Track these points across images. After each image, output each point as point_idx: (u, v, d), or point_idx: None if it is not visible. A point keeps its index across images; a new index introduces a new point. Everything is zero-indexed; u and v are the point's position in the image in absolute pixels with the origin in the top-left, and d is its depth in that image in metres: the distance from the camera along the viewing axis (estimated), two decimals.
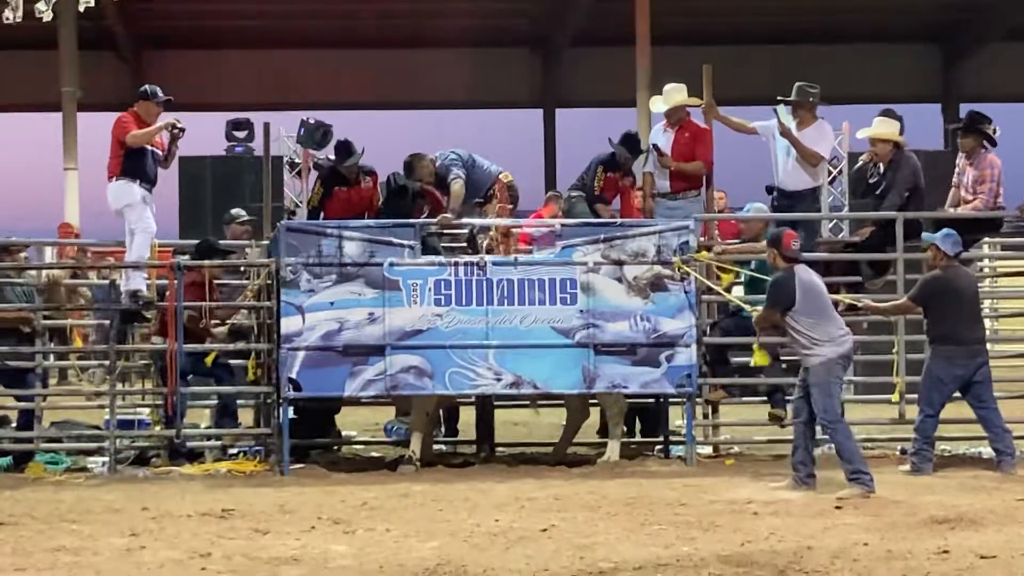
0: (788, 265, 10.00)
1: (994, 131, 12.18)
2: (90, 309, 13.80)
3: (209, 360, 11.81)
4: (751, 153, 13.33)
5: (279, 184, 18.70)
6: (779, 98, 12.52)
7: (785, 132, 12.35)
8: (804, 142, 12.34)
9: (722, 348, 11.97)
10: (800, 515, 8.87)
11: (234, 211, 13.60)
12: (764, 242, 12.15)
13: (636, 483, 10.43)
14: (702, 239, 12.11)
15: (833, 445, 10.08)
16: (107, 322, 12.36)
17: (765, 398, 12.15)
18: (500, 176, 12.55)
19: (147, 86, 12.09)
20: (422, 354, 11.30)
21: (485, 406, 12.68)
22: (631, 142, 12.94)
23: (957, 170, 12.39)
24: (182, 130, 11.94)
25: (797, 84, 12.55)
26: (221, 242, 12.70)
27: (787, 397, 12.00)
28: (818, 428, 10.08)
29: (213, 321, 12.15)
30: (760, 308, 10.61)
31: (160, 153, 11.96)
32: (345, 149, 12.60)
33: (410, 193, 12.38)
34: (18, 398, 12.12)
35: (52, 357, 13.28)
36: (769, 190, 12.69)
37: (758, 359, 10.77)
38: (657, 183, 12.82)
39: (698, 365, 11.58)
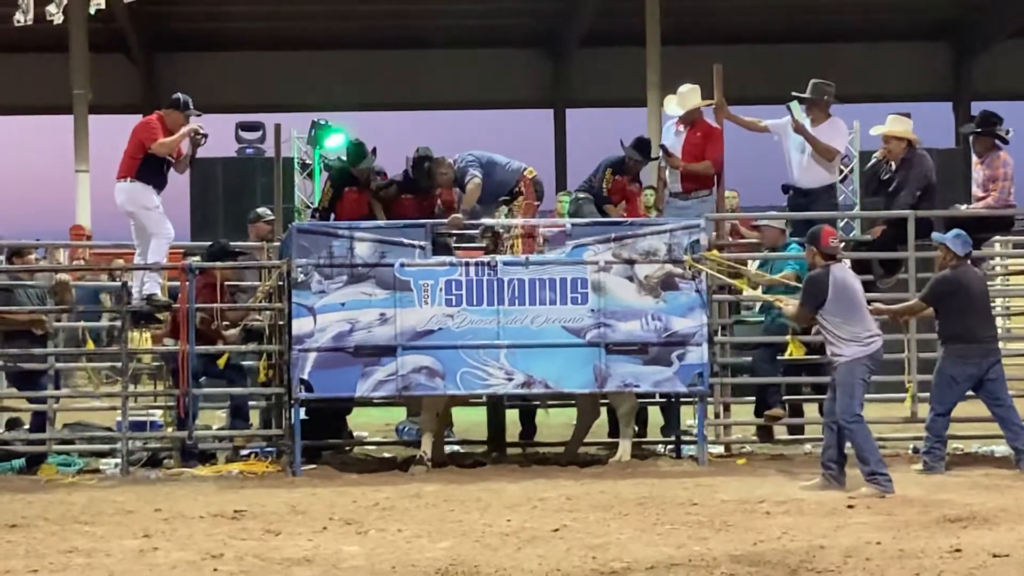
0: (826, 263, 10.00)
1: (1007, 132, 12.14)
2: (103, 311, 13.78)
3: (221, 362, 11.83)
4: (765, 152, 13.32)
5: (290, 185, 18.73)
6: (794, 94, 12.51)
7: (799, 128, 12.34)
8: (819, 139, 12.33)
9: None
10: (812, 514, 8.86)
11: (260, 210, 13.55)
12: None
13: (648, 483, 10.43)
14: (714, 235, 12.11)
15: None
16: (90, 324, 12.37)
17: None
18: (525, 172, 12.55)
19: (180, 95, 11.99)
20: (433, 354, 11.31)
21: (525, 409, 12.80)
22: (642, 146, 12.95)
23: (973, 172, 12.35)
24: (204, 136, 11.99)
25: (813, 81, 12.52)
26: (235, 243, 12.71)
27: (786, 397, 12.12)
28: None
29: (224, 323, 12.15)
30: (782, 298, 10.66)
31: (173, 159, 11.96)
32: (358, 151, 12.62)
33: (428, 164, 12.38)
34: (30, 400, 12.13)
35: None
36: (785, 189, 12.68)
37: (794, 350, 10.77)
38: (668, 183, 12.83)
39: (709, 364, 11.57)
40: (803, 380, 12.05)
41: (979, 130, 12.17)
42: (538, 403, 12.79)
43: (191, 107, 11.93)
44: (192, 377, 11.54)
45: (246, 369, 12.15)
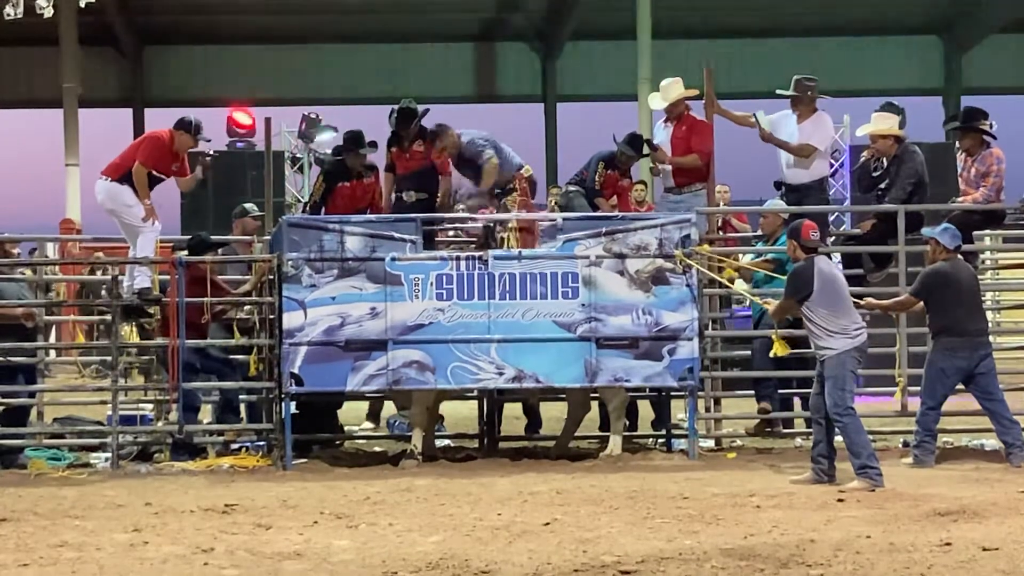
0: (808, 255, 10.02)
1: (990, 126, 12.14)
2: (97, 305, 13.75)
3: (252, 370, 11.78)
4: (755, 147, 13.30)
5: (280, 179, 18.74)
6: (778, 91, 12.54)
7: (768, 137, 12.44)
8: (802, 135, 12.37)
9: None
10: (803, 508, 8.87)
11: (247, 205, 13.52)
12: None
13: (638, 477, 10.44)
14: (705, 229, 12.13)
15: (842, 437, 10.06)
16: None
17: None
18: (521, 170, 12.55)
19: (193, 118, 11.98)
20: (424, 348, 11.30)
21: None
22: (635, 142, 12.97)
23: (960, 166, 12.37)
24: (209, 164, 12.04)
25: (794, 77, 12.56)
26: (221, 237, 12.70)
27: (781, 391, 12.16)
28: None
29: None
30: (770, 300, 10.68)
31: (173, 178, 11.99)
32: (357, 139, 12.63)
33: (418, 116, 12.43)
34: (12, 394, 12.06)
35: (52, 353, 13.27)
36: (777, 186, 12.71)
37: (778, 349, 10.79)
38: (662, 179, 12.86)
39: (700, 358, 11.58)
40: (795, 374, 12.06)
41: (962, 125, 12.20)
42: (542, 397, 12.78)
43: (202, 131, 11.98)
44: (184, 370, 11.51)
45: (236, 363, 12.13)
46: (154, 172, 11.79)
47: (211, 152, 12.03)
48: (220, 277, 12.26)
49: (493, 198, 12.60)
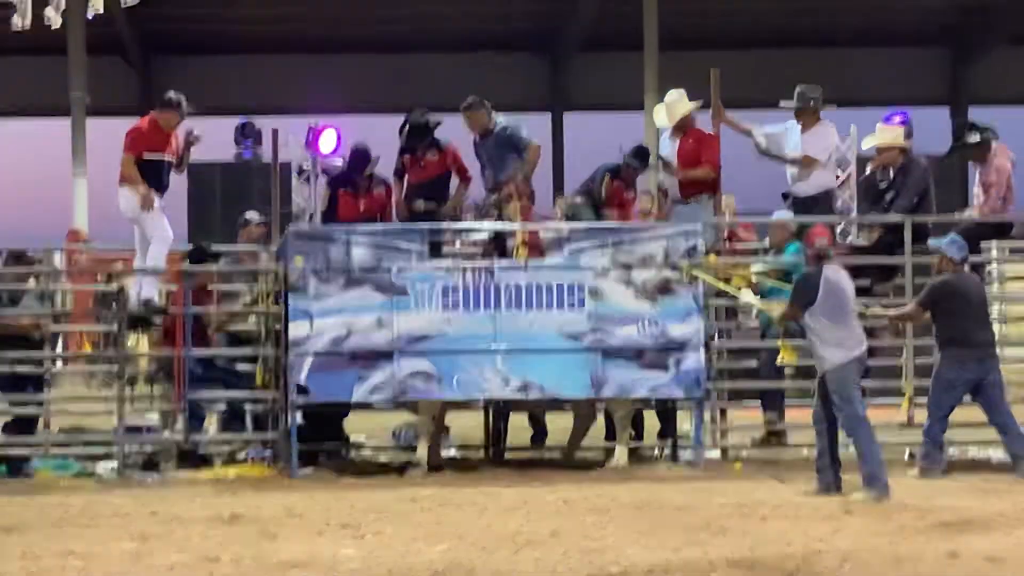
0: (818, 263, 10.00)
1: (981, 131, 12.05)
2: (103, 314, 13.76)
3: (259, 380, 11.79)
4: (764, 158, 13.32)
5: (287, 190, 18.73)
6: (782, 103, 12.55)
7: (764, 152, 12.45)
8: (805, 146, 12.39)
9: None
10: (809, 518, 8.86)
11: (249, 215, 13.54)
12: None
13: (645, 487, 10.44)
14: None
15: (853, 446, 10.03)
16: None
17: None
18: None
19: (172, 94, 11.92)
20: (430, 359, 11.31)
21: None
22: (641, 154, 12.97)
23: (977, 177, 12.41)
24: (198, 137, 11.98)
25: (797, 89, 12.58)
26: (229, 247, 12.72)
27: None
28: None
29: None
30: (774, 306, 10.69)
31: (173, 160, 11.95)
32: (362, 156, 12.62)
33: (431, 130, 12.41)
34: (20, 404, 12.07)
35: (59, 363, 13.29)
36: (785, 197, 12.71)
37: (786, 356, 10.78)
38: (669, 191, 12.86)
39: (706, 369, 11.57)
40: (796, 385, 12.05)
41: (953, 144, 12.27)
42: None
43: (184, 105, 11.89)
44: (192, 380, 11.52)
45: (242, 373, 12.13)
46: (146, 155, 11.69)
47: (195, 132, 11.93)
48: (224, 286, 12.27)
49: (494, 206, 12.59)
